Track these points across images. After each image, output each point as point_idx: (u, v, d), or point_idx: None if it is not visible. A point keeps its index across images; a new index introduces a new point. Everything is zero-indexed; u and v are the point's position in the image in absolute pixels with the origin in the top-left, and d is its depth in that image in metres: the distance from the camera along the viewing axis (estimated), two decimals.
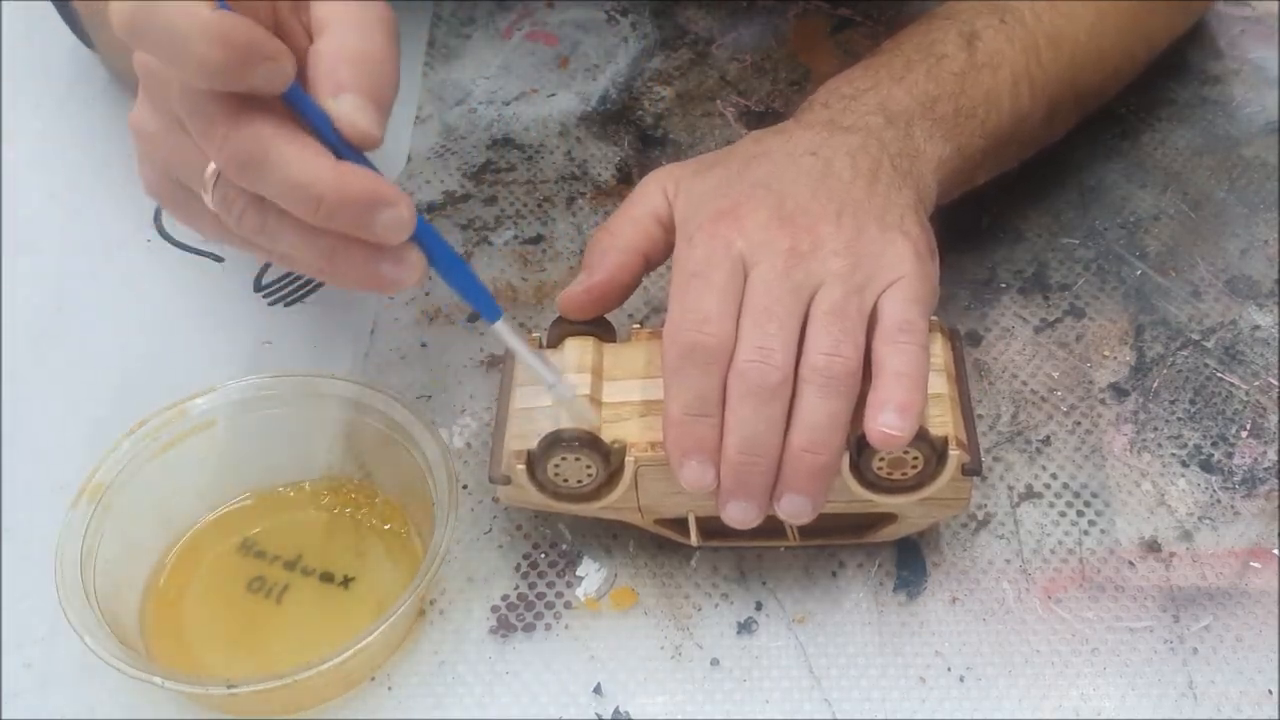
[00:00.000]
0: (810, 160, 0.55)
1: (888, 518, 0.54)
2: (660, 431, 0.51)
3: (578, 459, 0.51)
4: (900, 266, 0.52)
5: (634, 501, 0.53)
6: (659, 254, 0.56)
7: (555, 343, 0.55)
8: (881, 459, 0.50)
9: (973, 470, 0.51)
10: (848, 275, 0.51)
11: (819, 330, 0.50)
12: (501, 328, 0.49)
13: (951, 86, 0.59)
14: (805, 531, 0.54)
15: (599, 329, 0.55)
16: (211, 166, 0.45)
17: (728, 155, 0.56)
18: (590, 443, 0.51)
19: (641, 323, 0.58)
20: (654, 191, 0.56)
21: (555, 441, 0.51)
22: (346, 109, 0.43)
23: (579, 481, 0.52)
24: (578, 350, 0.54)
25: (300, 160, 0.42)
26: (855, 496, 0.52)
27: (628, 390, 0.53)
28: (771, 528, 0.52)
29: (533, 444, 0.51)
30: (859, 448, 0.50)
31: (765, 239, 0.51)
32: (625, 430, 0.52)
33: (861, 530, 0.55)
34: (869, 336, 0.50)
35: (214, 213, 0.46)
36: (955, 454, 0.50)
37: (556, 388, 0.51)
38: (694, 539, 0.54)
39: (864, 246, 0.52)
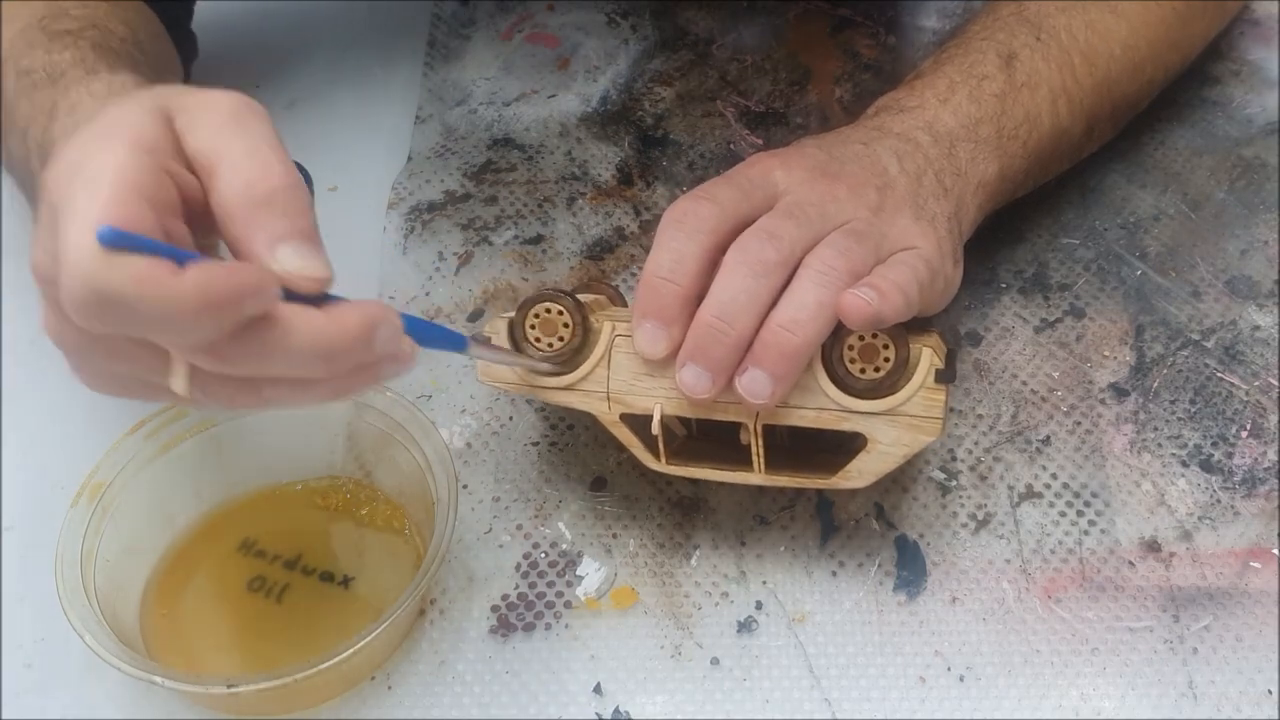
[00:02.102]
0: (860, 148, 0.56)
1: (857, 444, 0.51)
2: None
3: (560, 311, 0.51)
4: (916, 241, 0.53)
5: (604, 384, 0.52)
6: None
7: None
8: (851, 346, 0.50)
9: (947, 377, 0.50)
10: (864, 229, 0.52)
11: (827, 243, 0.51)
12: (474, 348, 0.50)
13: (993, 108, 0.60)
14: (773, 463, 0.53)
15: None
16: (182, 369, 0.41)
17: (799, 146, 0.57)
18: (572, 299, 0.51)
19: None
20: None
21: (537, 294, 0.51)
22: (294, 264, 0.41)
23: (550, 344, 0.52)
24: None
25: (298, 329, 0.40)
26: (823, 403, 0.50)
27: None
28: (739, 458, 0.52)
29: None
30: (831, 340, 0.50)
31: (803, 179, 0.52)
32: (612, 322, 0.52)
33: (831, 467, 0.52)
34: None
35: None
36: (928, 350, 0.50)
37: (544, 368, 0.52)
38: (655, 426, 0.52)
39: (888, 219, 0.53)
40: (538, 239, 0.69)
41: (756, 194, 0.52)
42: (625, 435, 0.53)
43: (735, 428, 0.52)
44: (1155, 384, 0.62)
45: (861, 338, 0.50)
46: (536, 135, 0.74)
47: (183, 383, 0.41)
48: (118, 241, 0.37)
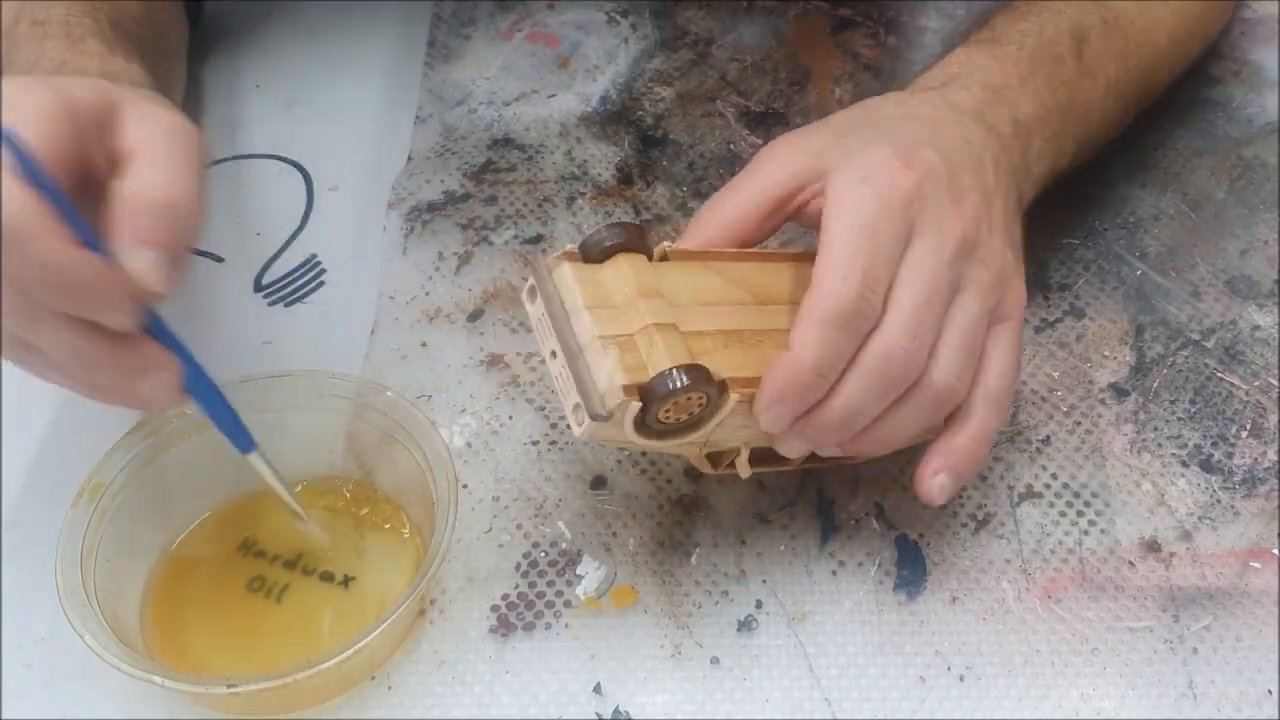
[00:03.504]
0: (964, 144, 0.53)
1: None
2: (743, 363, 0.49)
3: (690, 397, 0.47)
4: (1018, 307, 0.53)
5: (707, 434, 0.50)
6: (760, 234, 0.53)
7: (600, 258, 0.49)
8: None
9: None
10: (987, 293, 0.51)
11: (953, 349, 0.50)
12: (255, 460, 0.52)
13: (1063, 98, 0.58)
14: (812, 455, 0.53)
15: (635, 239, 0.50)
16: None
17: (867, 114, 0.55)
18: (706, 378, 0.47)
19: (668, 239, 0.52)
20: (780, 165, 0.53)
21: (665, 379, 0.47)
22: (145, 267, 0.44)
23: (679, 419, 0.48)
24: (630, 270, 0.49)
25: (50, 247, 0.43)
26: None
27: (701, 319, 0.49)
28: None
29: (643, 378, 0.47)
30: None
31: (938, 212, 0.50)
32: (714, 362, 0.48)
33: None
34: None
35: None
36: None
37: (306, 524, 0.54)
38: (744, 470, 0.53)
39: (1003, 265, 0.52)
40: (538, 239, 0.69)
41: (899, 245, 0.49)
42: (707, 469, 0.54)
43: None
44: (1155, 384, 0.62)
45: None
46: (536, 135, 0.74)
47: None
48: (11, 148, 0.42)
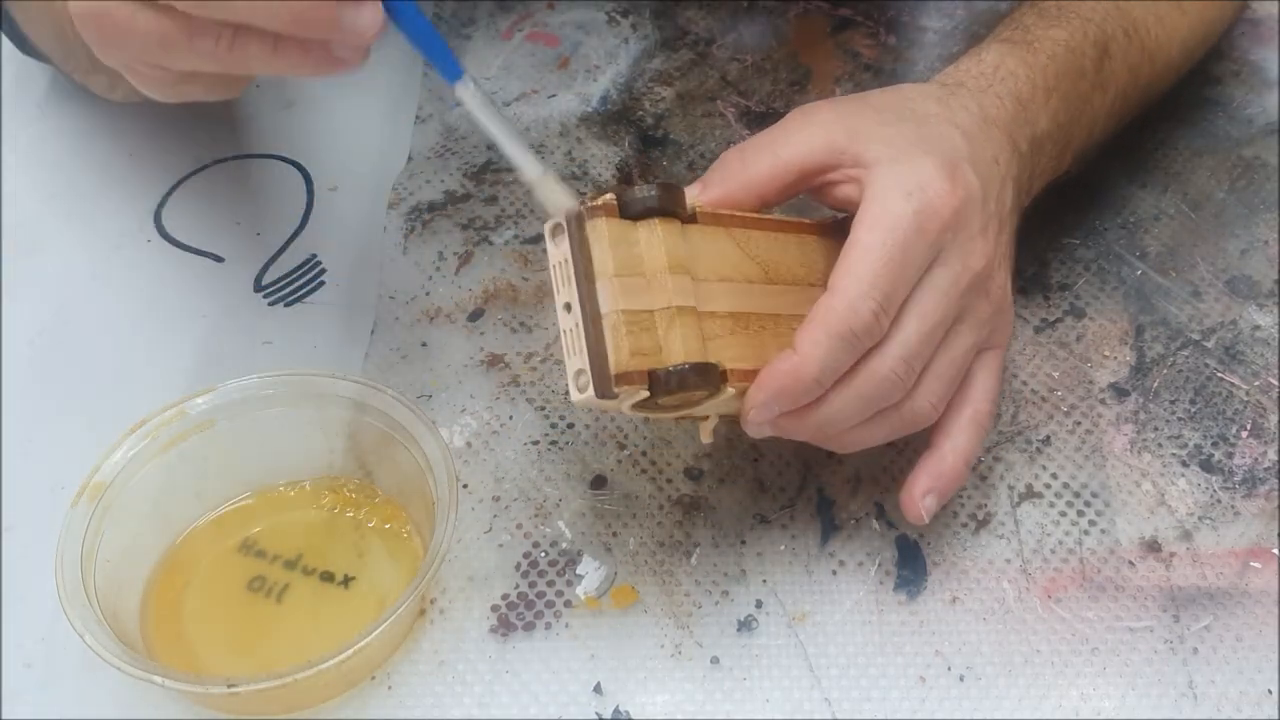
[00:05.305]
0: (994, 167, 0.53)
1: None
2: (744, 353, 0.49)
3: (693, 393, 0.48)
4: (1006, 335, 0.54)
5: (693, 414, 0.50)
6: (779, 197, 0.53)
7: (637, 216, 0.48)
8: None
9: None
10: (983, 325, 0.52)
11: (938, 378, 0.51)
12: (463, 91, 0.48)
13: (1076, 112, 0.58)
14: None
15: (674, 203, 0.49)
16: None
17: (908, 105, 0.54)
18: (714, 379, 0.47)
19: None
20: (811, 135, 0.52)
21: (677, 375, 0.47)
22: None
23: (676, 405, 0.49)
24: (663, 236, 0.48)
25: None
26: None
27: (716, 297, 0.49)
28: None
29: (655, 363, 0.47)
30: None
31: (966, 242, 0.50)
32: (719, 351, 0.48)
33: None
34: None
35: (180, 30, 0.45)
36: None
37: (529, 170, 0.49)
38: (706, 437, 0.52)
39: (1003, 298, 0.53)
40: (538, 239, 0.69)
41: (922, 270, 0.50)
42: (711, 436, 0.52)
43: None
44: (1155, 384, 0.62)
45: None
46: (537, 135, 0.74)
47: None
48: None
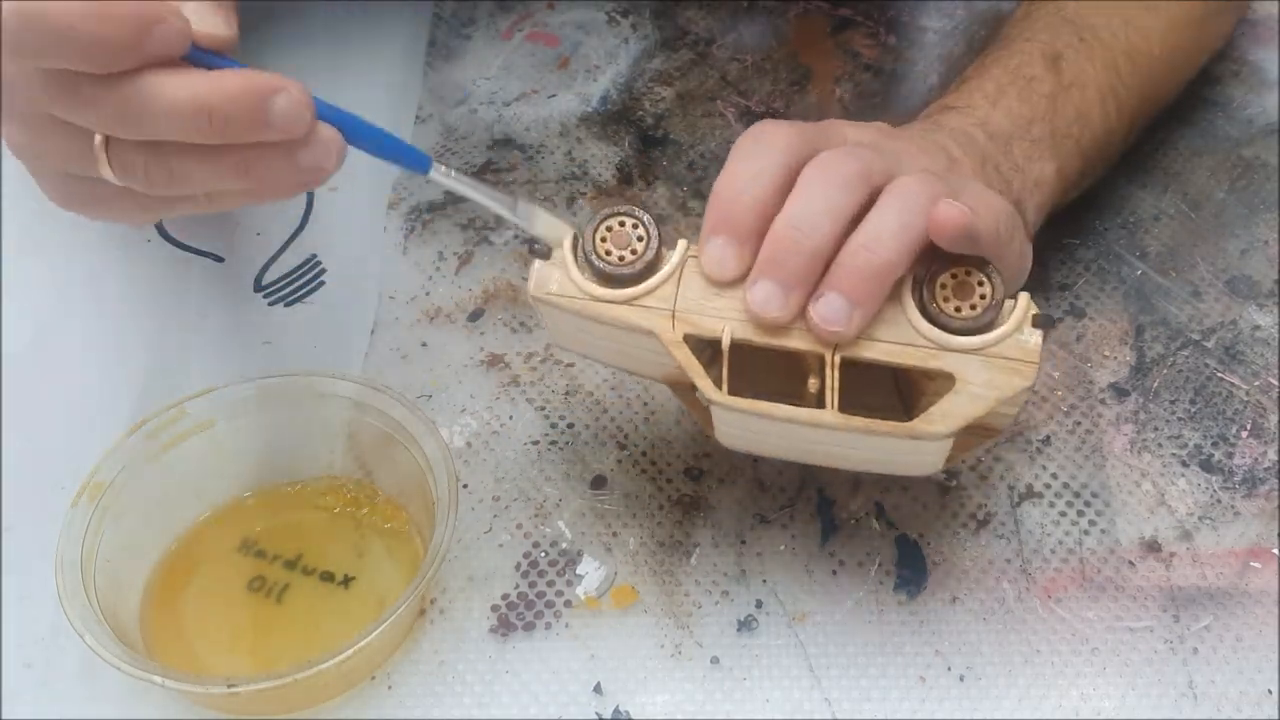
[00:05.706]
0: (921, 138, 0.54)
1: (942, 385, 0.47)
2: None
3: (635, 224, 0.48)
4: (987, 193, 0.50)
5: (671, 301, 0.48)
6: None
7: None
8: (944, 285, 0.46)
9: (1046, 322, 0.47)
10: (941, 175, 0.50)
11: (907, 173, 0.48)
12: (436, 174, 0.48)
13: (1044, 108, 0.59)
14: (847, 402, 0.47)
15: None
16: (98, 137, 0.43)
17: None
18: (649, 214, 0.48)
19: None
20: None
21: (613, 209, 0.48)
22: (193, 19, 0.43)
23: (621, 258, 0.48)
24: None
25: (173, 84, 0.42)
26: (912, 337, 0.47)
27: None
28: (809, 392, 0.48)
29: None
30: (924, 274, 0.46)
31: (875, 136, 0.51)
32: (686, 241, 0.49)
33: (909, 410, 0.49)
34: None
35: (124, 188, 0.45)
36: (1025, 294, 0.47)
37: (517, 210, 0.50)
38: (725, 343, 0.48)
39: (960, 181, 0.50)
40: (537, 239, 0.69)
41: (834, 137, 0.50)
42: (686, 358, 0.48)
43: (789, 368, 0.49)
44: (1155, 384, 0.62)
45: (955, 275, 0.46)
46: (536, 135, 0.74)
47: (105, 168, 0.44)
48: None
